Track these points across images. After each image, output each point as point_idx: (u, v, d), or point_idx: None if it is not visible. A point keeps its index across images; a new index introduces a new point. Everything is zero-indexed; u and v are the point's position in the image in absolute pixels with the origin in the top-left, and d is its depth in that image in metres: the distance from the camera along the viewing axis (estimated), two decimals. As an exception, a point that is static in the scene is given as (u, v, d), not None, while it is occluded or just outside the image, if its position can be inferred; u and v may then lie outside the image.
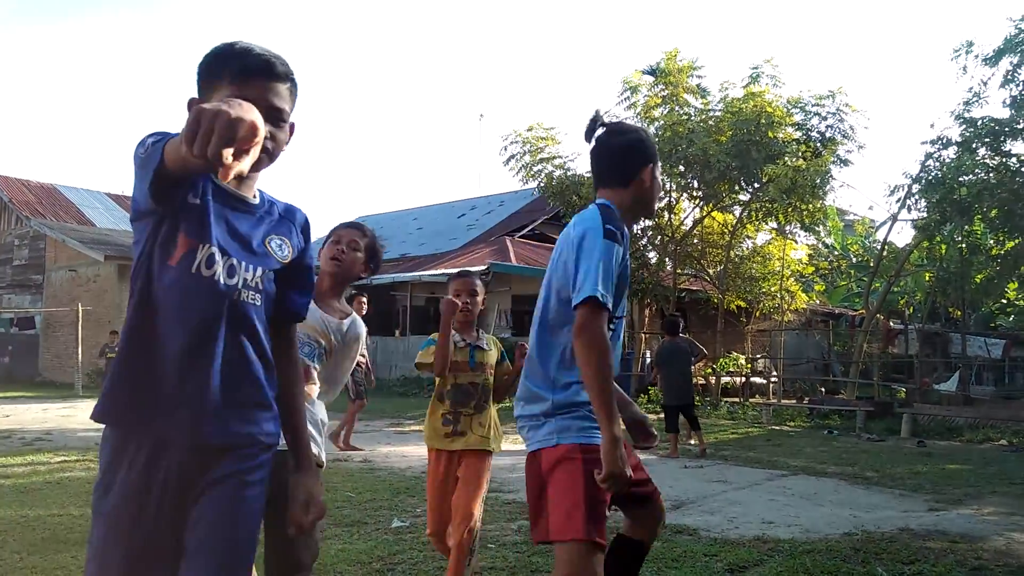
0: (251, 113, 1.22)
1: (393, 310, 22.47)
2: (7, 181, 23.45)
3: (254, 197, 1.70)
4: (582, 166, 17.05)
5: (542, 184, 17.05)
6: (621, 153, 2.38)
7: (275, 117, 1.60)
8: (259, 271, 1.64)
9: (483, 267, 19.50)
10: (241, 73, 1.57)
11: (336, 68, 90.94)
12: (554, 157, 16.89)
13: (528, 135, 16.89)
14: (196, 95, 1.63)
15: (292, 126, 1.68)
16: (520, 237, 24.53)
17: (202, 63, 1.62)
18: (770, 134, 14.71)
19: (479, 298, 3.59)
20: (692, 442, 9.31)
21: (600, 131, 2.42)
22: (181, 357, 1.51)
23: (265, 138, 1.33)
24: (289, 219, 1.78)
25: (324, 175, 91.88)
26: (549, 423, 2.29)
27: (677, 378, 9.14)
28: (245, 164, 1.24)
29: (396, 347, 21.45)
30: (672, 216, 16.92)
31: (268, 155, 1.58)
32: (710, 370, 16.10)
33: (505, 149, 17.07)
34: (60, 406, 14.34)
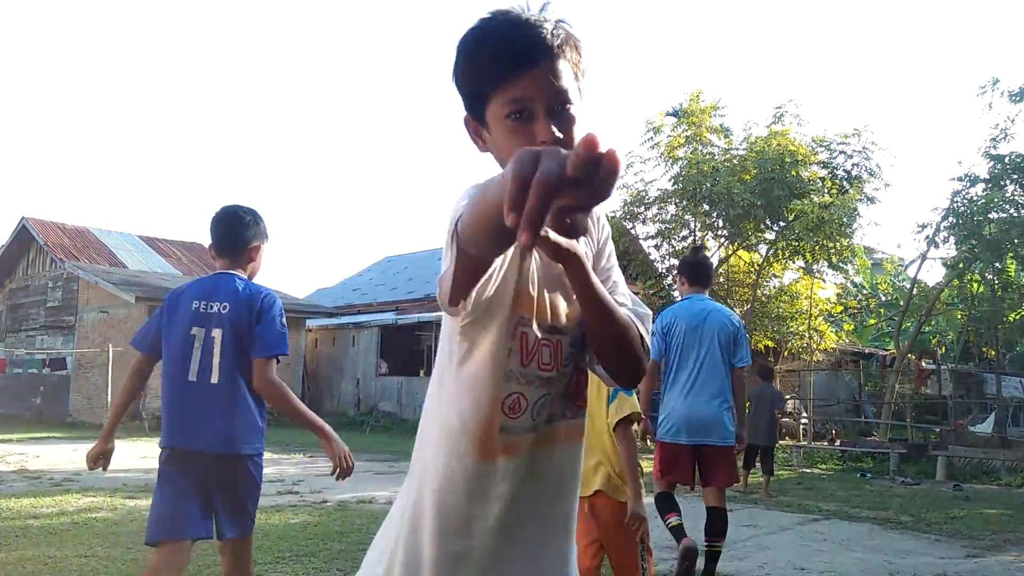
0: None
1: (418, 350, 22.52)
2: (43, 225, 24.03)
3: None
4: (605, 205, 17.11)
5: (568, 223, 17.13)
6: None
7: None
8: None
9: (508, 307, 19.56)
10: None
11: (365, 100, 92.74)
12: (577, 197, 16.97)
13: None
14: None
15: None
16: (544, 276, 24.60)
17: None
18: (794, 172, 14.69)
19: None
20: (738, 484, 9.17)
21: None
22: None
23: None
24: None
25: (352, 214, 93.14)
26: None
27: (765, 419, 9.44)
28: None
29: (421, 387, 21.42)
30: (697, 255, 16.89)
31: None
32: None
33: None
34: (89, 447, 14.45)
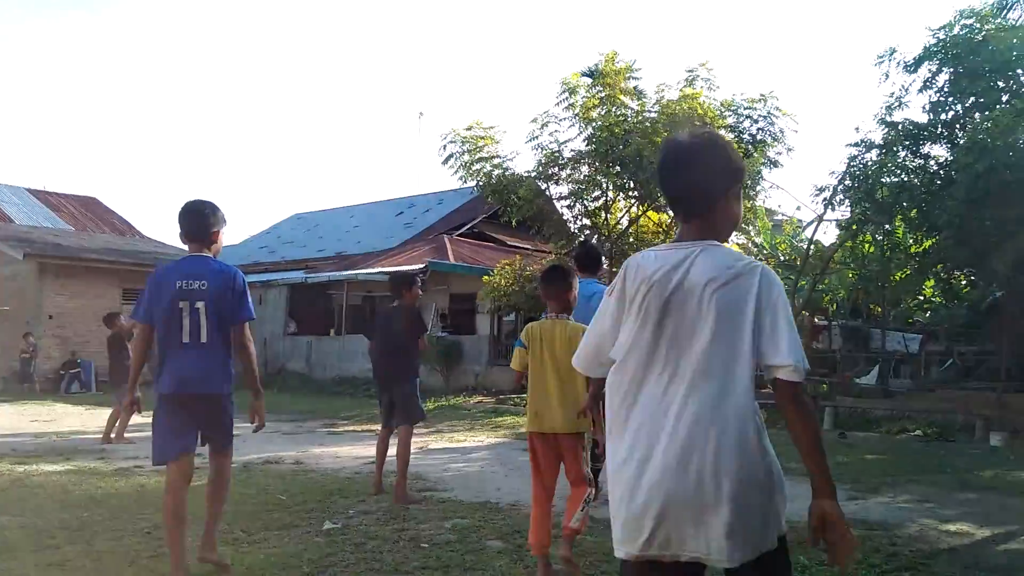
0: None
1: (328, 309, 22.16)
2: (-83, 175, 22.25)
3: None
4: (521, 165, 17.08)
5: (481, 183, 17.05)
6: None
7: None
8: None
9: (420, 265, 19.40)
10: None
11: (272, 60, 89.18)
12: (493, 156, 16.89)
13: (467, 134, 16.86)
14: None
15: None
16: (459, 235, 24.49)
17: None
18: (703, 135, 15.04)
19: None
20: None
21: None
22: None
23: None
24: None
25: (259, 172, 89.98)
26: None
27: None
28: None
29: (331, 347, 21.18)
30: (608, 215, 17.14)
31: None
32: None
33: (444, 148, 17.00)
34: (-26, 411, 13.69)
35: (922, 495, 6.41)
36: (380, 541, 4.67)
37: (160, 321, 3.89)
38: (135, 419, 11.82)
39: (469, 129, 16.91)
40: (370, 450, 8.63)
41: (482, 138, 16.89)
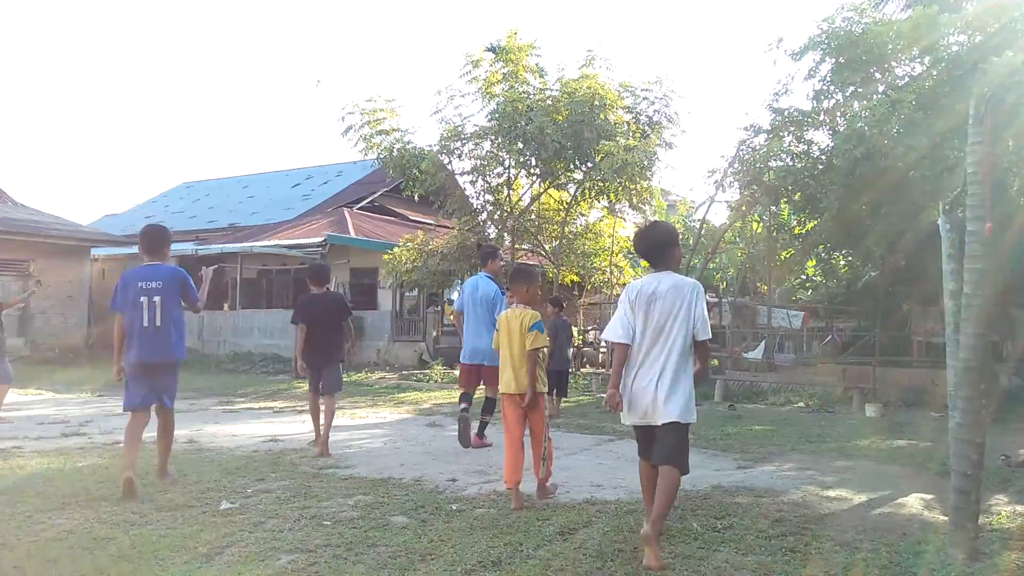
0: None
1: (221, 283, 21.34)
2: None
3: None
4: (422, 139, 16.89)
5: (382, 156, 16.76)
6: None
7: None
8: None
9: (320, 239, 18.95)
10: None
11: (161, 17, 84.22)
12: (394, 130, 16.62)
13: (367, 106, 16.51)
14: None
15: None
16: (359, 209, 24.03)
17: None
18: (602, 116, 15.27)
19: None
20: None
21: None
22: None
23: None
24: None
25: (144, 136, 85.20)
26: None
27: (564, 348, 9.87)
28: None
29: (224, 322, 20.44)
30: (511, 192, 17.21)
31: None
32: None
33: (343, 119, 16.60)
34: None
35: (805, 463, 6.82)
36: (280, 520, 4.58)
37: (128, 309, 5.36)
38: (10, 398, 11.10)
39: (369, 101, 16.58)
40: (269, 428, 8.49)
41: (382, 110, 16.59)
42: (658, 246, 4.31)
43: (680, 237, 5.23)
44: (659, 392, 4.04)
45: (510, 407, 5.22)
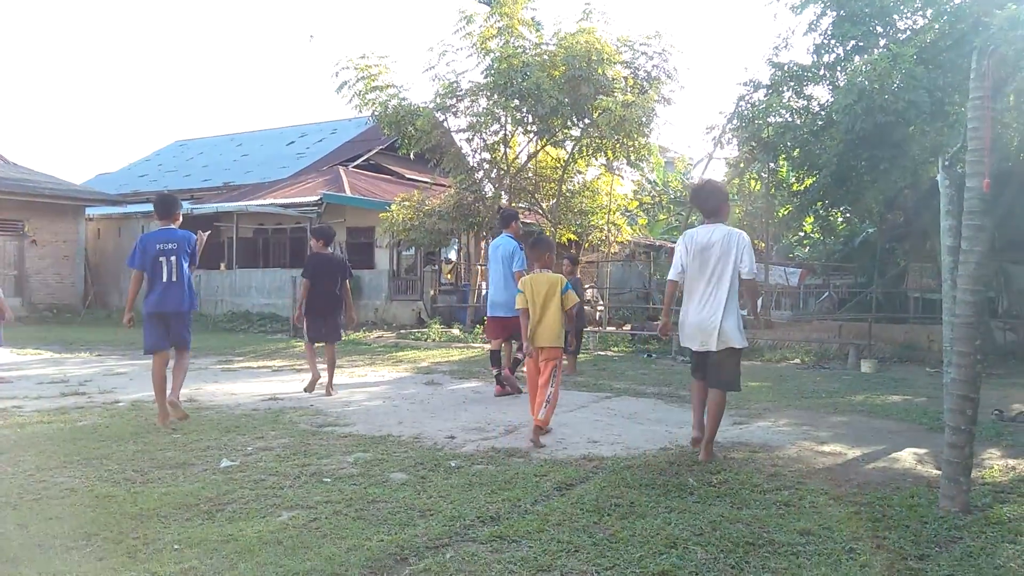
0: None
1: (217, 242, 21.29)
2: None
3: None
4: (417, 96, 16.68)
5: (376, 113, 16.56)
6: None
7: None
8: None
9: (315, 197, 18.83)
10: None
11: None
12: (388, 86, 16.40)
13: (361, 62, 16.26)
14: None
15: None
16: (354, 167, 23.84)
17: None
18: (600, 71, 15.07)
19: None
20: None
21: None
22: None
23: None
24: None
25: (137, 94, 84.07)
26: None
27: (579, 306, 9.89)
28: None
29: (221, 281, 20.43)
30: (508, 150, 17.07)
31: None
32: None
33: (336, 75, 16.35)
34: None
35: (800, 419, 6.88)
36: (280, 477, 4.62)
37: (148, 268, 6.23)
38: (9, 358, 11.09)
39: (363, 57, 16.32)
40: (267, 387, 8.54)
41: (376, 66, 16.35)
42: (712, 201, 5.27)
43: (729, 195, 5.91)
44: (714, 322, 5.00)
45: (536, 356, 5.87)
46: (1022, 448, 5.61)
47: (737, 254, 4.98)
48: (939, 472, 4.46)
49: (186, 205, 21.36)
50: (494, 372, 8.28)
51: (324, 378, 8.12)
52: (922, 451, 5.46)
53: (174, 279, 6.21)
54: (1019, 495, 4.38)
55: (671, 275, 5.26)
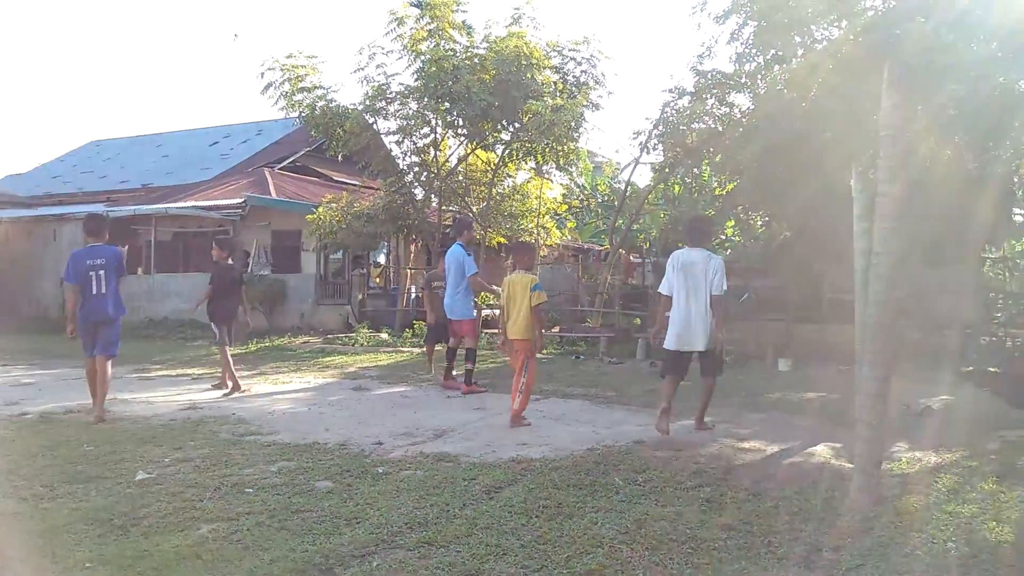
0: None
1: (135, 246, 20.51)
2: None
3: None
4: (346, 97, 16.43)
5: (304, 114, 16.25)
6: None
7: None
8: None
9: (239, 200, 18.36)
10: None
11: (56, -33, 78.96)
12: (316, 87, 16.12)
13: (288, 62, 15.94)
14: None
15: None
16: (281, 169, 23.34)
17: None
18: (529, 75, 15.15)
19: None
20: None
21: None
22: None
23: None
24: None
25: (49, 91, 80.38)
26: None
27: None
28: None
29: (139, 287, 19.68)
30: (438, 153, 16.99)
31: None
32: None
33: (262, 76, 15.98)
34: None
35: (722, 417, 7.05)
36: (200, 489, 4.48)
37: (81, 281, 6.86)
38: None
39: (290, 57, 16.01)
40: (187, 395, 8.26)
41: (304, 67, 16.06)
42: (698, 231, 6.44)
43: (715, 227, 6.91)
44: (696, 331, 6.08)
45: (511, 348, 6.72)
46: (928, 441, 5.89)
47: (711, 275, 6.05)
48: (852, 465, 4.64)
49: (101, 208, 20.57)
50: (468, 367, 8.63)
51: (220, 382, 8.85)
52: (836, 445, 5.68)
53: (103, 291, 6.91)
54: (926, 486, 4.60)
55: (661, 289, 6.37)
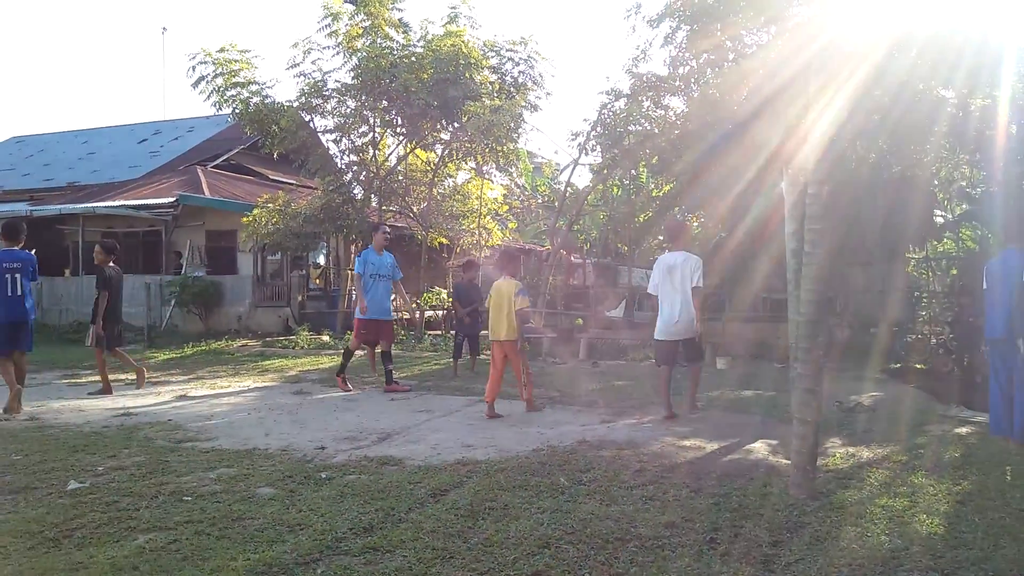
0: None
1: (61, 247, 19.74)
2: None
3: None
4: (282, 94, 16.16)
5: (237, 111, 15.89)
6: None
7: None
8: None
9: (171, 199, 17.84)
10: None
11: (-29, -46, 75.29)
12: (250, 82, 15.79)
13: (220, 56, 15.56)
14: None
15: None
16: (214, 167, 22.76)
17: None
18: (468, 75, 15.15)
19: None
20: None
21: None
22: None
23: None
24: None
25: (-40, 84, 76.52)
26: None
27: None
28: None
29: (66, 289, 18.95)
30: (376, 152, 16.83)
31: None
32: (415, 304, 16.54)
33: (193, 70, 15.58)
34: None
35: (661, 415, 7.18)
36: (136, 498, 4.35)
37: None
38: None
39: (222, 51, 15.64)
40: (120, 401, 8.01)
41: (237, 61, 15.71)
42: (675, 236, 7.39)
43: (690, 230, 8.86)
44: (681, 322, 6.95)
45: (497, 349, 7.32)
46: (861, 436, 6.12)
47: (691, 271, 6.92)
48: (788, 461, 4.79)
49: (24, 207, 19.73)
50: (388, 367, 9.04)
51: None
52: (773, 442, 5.84)
53: (18, 293, 7.47)
54: (859, 480, 4.77)
55: (650, 289, 7.44)
